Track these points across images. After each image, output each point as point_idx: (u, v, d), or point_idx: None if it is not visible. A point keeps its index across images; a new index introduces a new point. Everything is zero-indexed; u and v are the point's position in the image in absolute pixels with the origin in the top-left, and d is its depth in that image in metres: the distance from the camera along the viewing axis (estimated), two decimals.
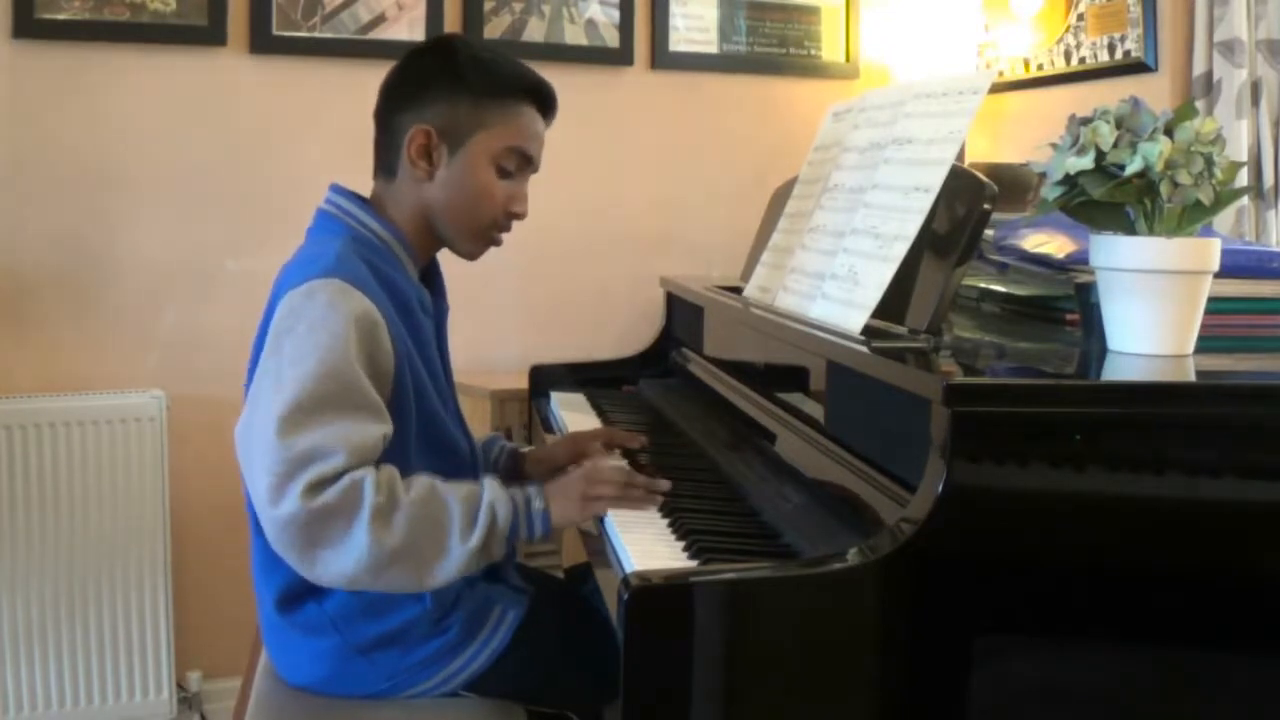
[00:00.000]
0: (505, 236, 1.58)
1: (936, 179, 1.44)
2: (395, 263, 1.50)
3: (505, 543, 1.37)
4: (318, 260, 1.41)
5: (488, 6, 2.67)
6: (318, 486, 1.27)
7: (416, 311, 1.50)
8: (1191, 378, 1.25)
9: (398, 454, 1.39)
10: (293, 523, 1.27)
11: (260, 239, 2.52)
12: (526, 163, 1.55)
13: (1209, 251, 1.28)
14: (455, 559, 1.33)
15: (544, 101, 1.56)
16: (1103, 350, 1.34)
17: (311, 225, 1.55)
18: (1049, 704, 1.14)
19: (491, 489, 1.38)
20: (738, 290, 1.98)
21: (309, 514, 1.27)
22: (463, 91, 1.50)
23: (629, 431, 1.81)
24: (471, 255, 1.58)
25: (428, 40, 1.65)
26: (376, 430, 1.34)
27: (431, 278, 1.62)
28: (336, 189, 1.54)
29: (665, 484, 1.50)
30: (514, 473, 1.75)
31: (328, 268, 1.38)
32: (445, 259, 1.62)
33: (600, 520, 1.43)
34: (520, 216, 1.56)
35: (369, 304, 1.37)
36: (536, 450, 1.85)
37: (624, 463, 1.60)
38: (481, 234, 1.56)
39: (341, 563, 1.28)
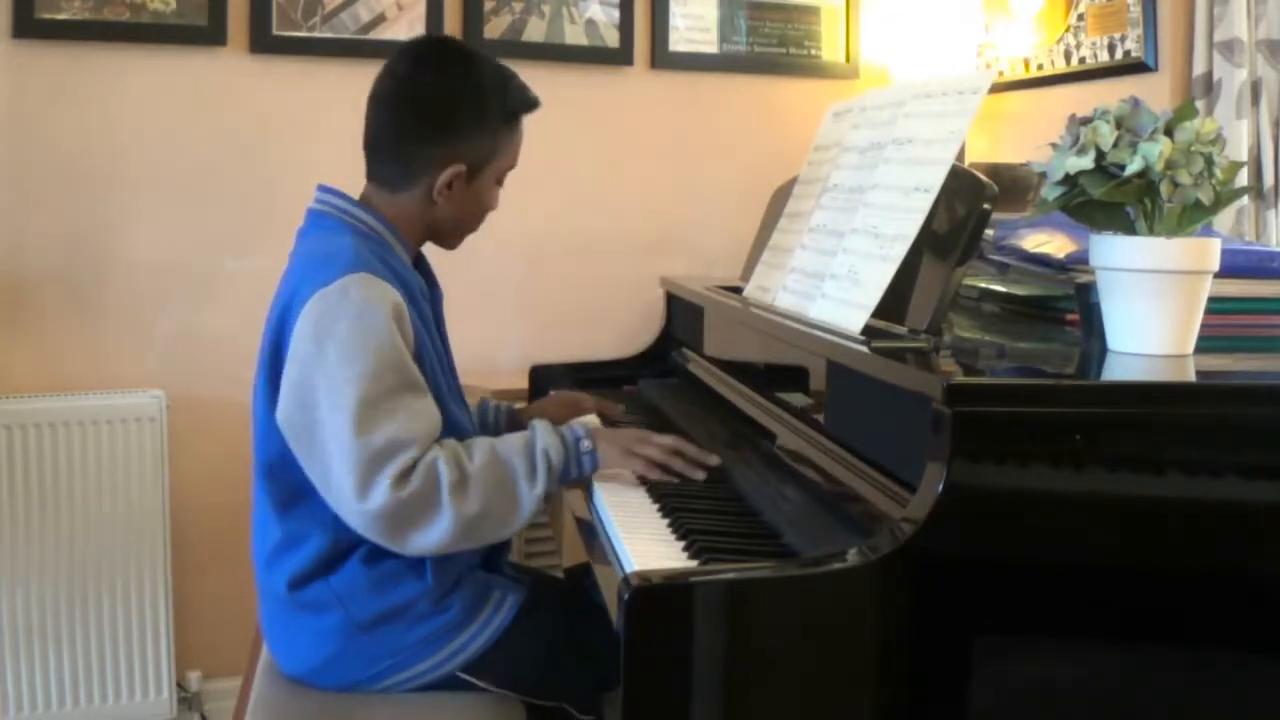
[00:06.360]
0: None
1: (936, 179, 1.44)
2: (394, 254, 1.55)
3: (560, 481, 1.50)
4: (336, 256, 1.45)
5: (488, 6, 2.67)
6: (403, 478, 1.38)
7: (419, 298, 1.55)
8: (1191, 378, 1.26)
9: None
10: (383, 514, 1.38)
11: (260, 239, 2.52)
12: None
13: (1209, 251, 1.28)
14: (528, 504, 1.46)
15: (531, 113, 1.64)
16: (1103, 350, 1.34)
17: (304, 225, 1.57)
18: (1049, 704, 1.14)
19: (543, 435, 1.48)
20: (738, 290, 1.98)
21: (399, 504, 1.38)
22: (487, 126, 1.57)
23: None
24: (453, 248, 1.69)
25: (442, 51, 1.57)
26: (433, 407, 1.45)
27: (421, 267, 1.67)
28: (326, 189, 1.58)
29: (714, 459, 1.56)
30: (514, 429, 1.79)
31: (350, 263, 1.44)
32: (435, 256, 1.69)
33: (600, 519, 1.43)
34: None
35: (396, 294, 1.45)
36: (530, 407, 1.96)
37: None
38: (467, 234, 1.67)
39: (432, 538, 1.40)
